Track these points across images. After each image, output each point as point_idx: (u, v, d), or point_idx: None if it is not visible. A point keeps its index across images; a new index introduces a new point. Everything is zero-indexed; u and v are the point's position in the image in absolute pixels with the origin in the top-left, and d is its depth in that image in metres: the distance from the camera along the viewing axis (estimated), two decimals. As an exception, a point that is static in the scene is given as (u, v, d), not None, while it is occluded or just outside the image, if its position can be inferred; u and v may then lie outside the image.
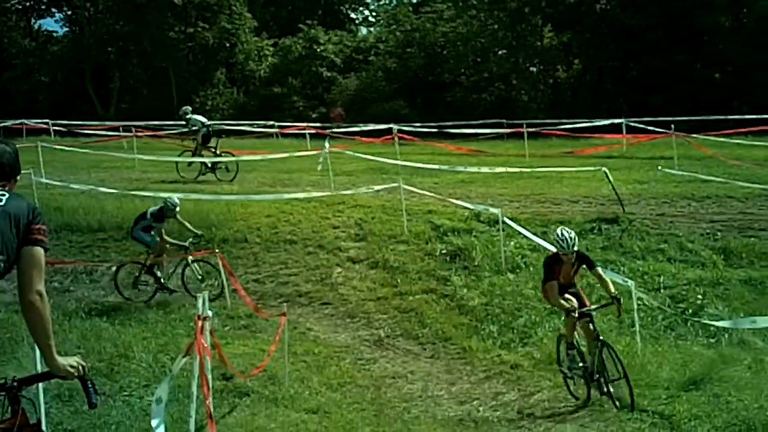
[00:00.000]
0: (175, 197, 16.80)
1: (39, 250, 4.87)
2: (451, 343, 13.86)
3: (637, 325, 12.61)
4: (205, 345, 7.04)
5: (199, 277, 16.58)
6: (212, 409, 6.45)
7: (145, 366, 11.67)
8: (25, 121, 44.82)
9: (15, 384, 4.79)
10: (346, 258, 17.59)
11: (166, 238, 16.50)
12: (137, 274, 16.63)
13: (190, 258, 16.56)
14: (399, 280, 16.37)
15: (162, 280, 16.52)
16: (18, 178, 5.24)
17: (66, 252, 18.14)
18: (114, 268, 16.94)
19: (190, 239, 16.73)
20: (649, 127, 32.72)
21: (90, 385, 4.98)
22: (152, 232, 16.42)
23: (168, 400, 8.42)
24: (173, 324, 14.41)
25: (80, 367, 4.95)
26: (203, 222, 18.97)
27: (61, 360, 4.89)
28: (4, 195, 4.88)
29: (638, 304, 12.80)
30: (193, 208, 19.69)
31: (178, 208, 16.51)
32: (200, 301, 7.27)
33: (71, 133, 42.60)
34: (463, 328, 14.39)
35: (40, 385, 7.40)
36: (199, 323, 7.14)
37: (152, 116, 47.88)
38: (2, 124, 45.84)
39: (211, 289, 15.92)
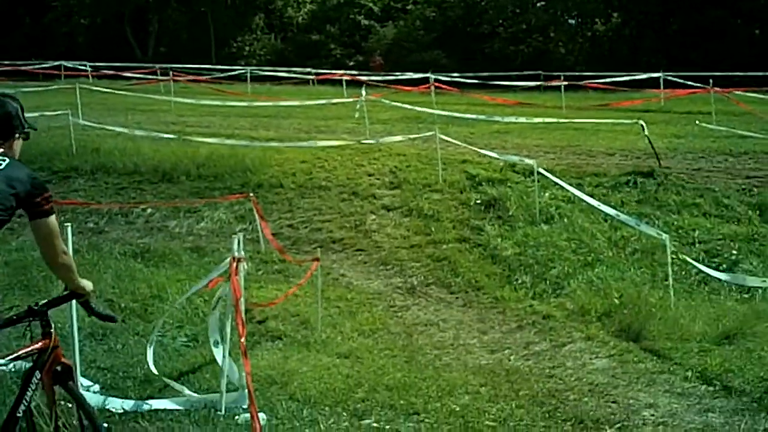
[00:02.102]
0: None
1: (51, 219, 4.95)
2: (484, 292, 13.82)
3: (670, 279, 12.52)
4: (239, 285, 7.07)
5: None
6: (246, 347, 6.49)
7: (179, 307, 11.76)
8: (64, 63, 45.01)
9: (42, 307, 5.03)
10: (380, 205, 17.58)
11: None
12: None
13: None
14: (433, 229, 16.34)
15: None
16: (19, 137, 5.22)
17: (102, 193, 18.30)
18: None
19: None
20: (688, 82, 32.37)
21: (94, 305, 5.42)
22: None
23: (201, 341, 8.54)
24: (207, 267, 14.46)
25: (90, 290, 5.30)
26: (238, 166, 19.06)
27: (82, 281, 5.26)
28: (4, 161, 4.89)
29: (672, 258, 12.69)
30: (228, 153, 19.78)
31: None
32: (235, 243, 7.30)
33: (109, 75, 42.74)
34: (495, 278, 14.36)
35: (75, 323, 7.47)
36: (234, 264, 7.17)
37: (190, 60, 47.94)
38: (42, 66, 46.10)
39: (246, 234, 16.00)
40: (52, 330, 5.10)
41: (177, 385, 7.91)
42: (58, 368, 5.15)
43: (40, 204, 4.89)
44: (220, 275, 7.90)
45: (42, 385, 5.06)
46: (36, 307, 5.08)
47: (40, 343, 5.06)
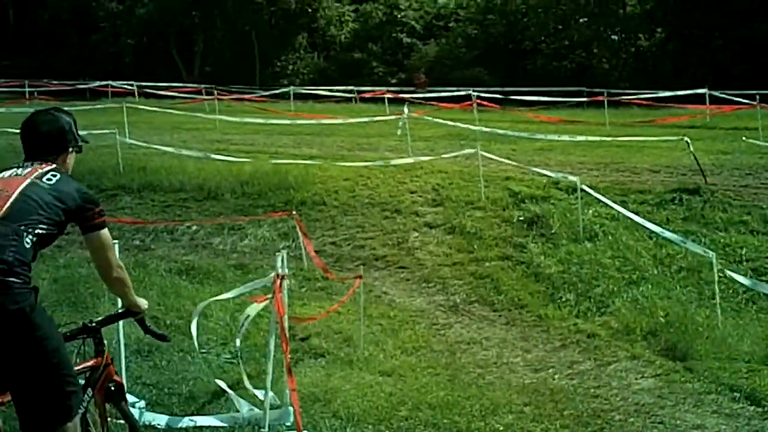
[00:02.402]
0: None
1: (104, 233, 5.00)
2: (527, 310, 13.76)
3: (717, 298, 12.39)
4: (283, 302, 7.10)
5: None
6: (291, 364, 6.51)
7: (223, 324, 11.81)
8: (111, 83, 45.57)
9: (96, 325, 5.07)
10: (422, 223, 17.57)
11: None
12: None
13: None
14: (475, 246, 16.30)
15: None
16: (72, 151, 5.26)
17: (148, 211, 18.46)
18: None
19: None
20: (733, 98, 32.08)
21: (148, 323, 5.46)
22: None
23: (245, 358, 8.57)
24: (251, 284, 14.55)
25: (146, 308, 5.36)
26: (282, 184, 19.15)
27: (138, 299, 5.33)
28: (56, 176, 4.91)
29: (719, 276, 12.56)
30: (271, 171, 19.87)
31: None
32: (279, 260, 7.34)
33: (155, 94, 43.19)
34: (539, 296, 14.29)
35: (122, 340, 7.54)
36: (278, 281, 7.20)
37: (235, 80, 48.36)
38: (88, 86, 46.70)
39: (289, 251, 16.04)
40: (104, 348, 5.17)
41: (230, 392, 7.95)
42: (111, 386, 5.20)
43: (91, 218, 4.93)
44: (260, 290, 7.94)
45: (94, 401, 5.11)
46: (90, 325, 5.15)
47: (92, 361, 5.13)
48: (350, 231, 17.51)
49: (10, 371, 4.56)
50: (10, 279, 4.47)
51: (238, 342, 7.95)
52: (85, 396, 4.98)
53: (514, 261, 15.77)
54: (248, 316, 7.78)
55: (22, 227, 4.60)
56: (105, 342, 5.18)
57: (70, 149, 5.24)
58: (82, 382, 5.05)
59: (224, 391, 8.17)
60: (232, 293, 9.13)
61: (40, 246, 4.72)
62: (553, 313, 13.41)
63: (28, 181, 4.80)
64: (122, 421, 5.41)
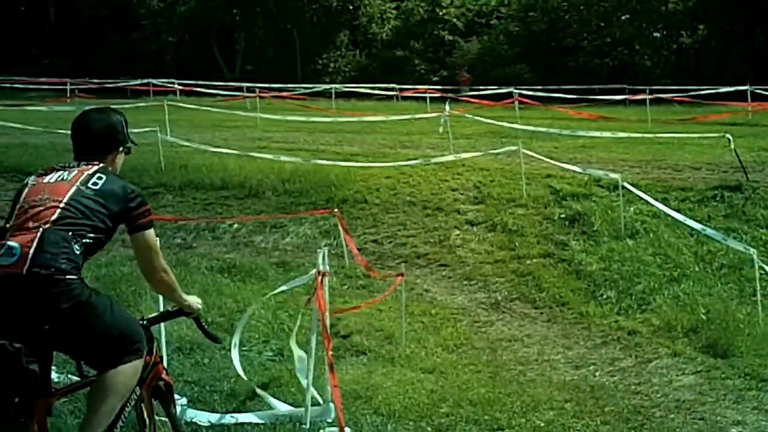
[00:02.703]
0: None
1: (149, 233, 5.00)
2: (568, 307, 13.76)
3: (758, 294, 12.33)
4: (325, 299, 7.17)
5: None
6: (332, 360, 6.57)
7: (264, 322, 11.91)
8: (152, 81, 45.89)
9: (145, 323, 5.09)
10: (464, 220, 17.59)
11: None
12: None
13: None
14: (517, 244, 16.31)
15: None
16: (122, 151, 5.31)
17: (189, 209, 18.62)
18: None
19: None
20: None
21: (204, 324, 5.45)
22: None
23: (286, 356, 8.65)
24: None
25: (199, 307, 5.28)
26: (323, 182, 19.24)
27: (188, 297, 5.31)
28: (101, 178, 4.93)
29: (760, 273, 12.50)
30: (312, 169, 19.97)
31: None
32: (320, 257, 7.41)
33: (196, 92, 43.47)
34: (580, 293, 14.28)
35: (163, 339, 7.64)
36: (319, 278, 7.27)
37: (277, 78, 48.52)
38: (129, 84, 47.09)
39: (331, 249, 16.12)
40: (153, 345, 5.18)
41: (265, 394, 8.03)
42: (160, 384, 5.24)
43: (137, 218, 4.95)
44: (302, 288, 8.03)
45: (142, 398, 5.16)
46: (141, 322, 5.14)
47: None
48: (392, 229, 17.57)
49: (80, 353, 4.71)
50: (68, 277, 4.54)
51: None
52: (132, 395, 4.97)
53: (556, 258, 15.76)
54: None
55: (71, 234, 4.65)
56: (154, 339, 5.22)
57: (120, 149, 5.29)
58: None
59: (258, 394, 8.23)
60: (276, 291, 9.17)
61: (87, 254, 4.77)
62: (594, 310, 13.41)
63: (74, 188, 4.82)
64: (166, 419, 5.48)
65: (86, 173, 4.93)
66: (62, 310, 4.50)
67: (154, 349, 5.18)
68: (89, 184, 4.87)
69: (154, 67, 56.18)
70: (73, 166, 4.99)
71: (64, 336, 4.58)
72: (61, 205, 4.73)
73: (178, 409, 7.37)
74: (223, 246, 17.22)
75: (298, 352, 8.05)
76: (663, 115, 32.49)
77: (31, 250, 4.49)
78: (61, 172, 4.96)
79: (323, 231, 17.12)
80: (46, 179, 4.93)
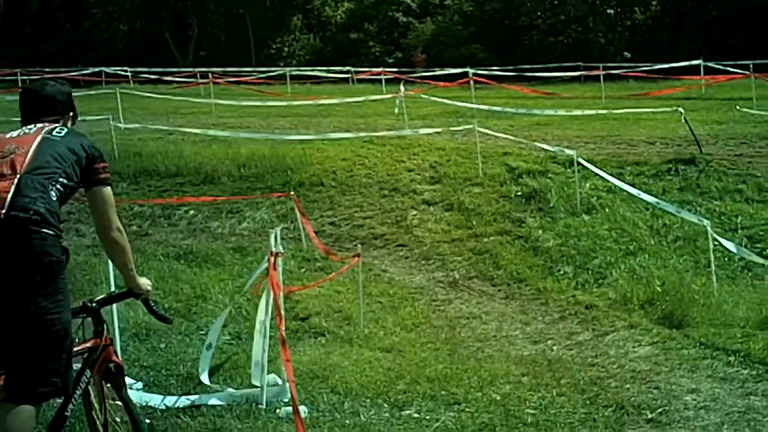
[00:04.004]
0: None
1: (107, 189, 4.96)
2: (526, 284, 13.83)
3: (712, 266, 12.47)
4: (277, 280, 7.13)
5: None
6: (285, 336, 6.52)
7: (222, 307, 11.81)
8: (105, 69, 45.43)
9: (95, 305, 5.02)
10: (421, 200, 17.60)
11: None
12: None
13: None
14: (474, 222, 16.35)
15: None
16: (73, 116, 5.31)
17: (145, 196, 18.42)
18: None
19: None
20: (728, 68, 32.12)
21: (153, 304, 5.37)
22: None
23: (243, 339, 8.62)
24: (250, 266, 14.59)
25: (149, 289, 5.24)
26: (279, 166, 19.15)
27: (140, 279, 5.22)
28: (63, 129, 4.97)
29: (714, 245, 12.64)
30: (268, 152, 19.89)
31: None
32: (272, 238, 7.37)
33: (150, 80, 43.08)
34: (537, 269, 14.35)
35: (116, 323, 7.55)
36: (272, 259, 7.23)
37: (231, 63, 48.23)
38: (82, 73, 46.58)
39: (288, 232, 16.09)
40: (103, 328, 5.11)
41: (218, 388, 7.96)
42: (111, 367, 5.17)
43: (98, 171, 4.92)
44: (261, 274, 7.97)
45: (93, 382, 5.10)
46: (90, 304, 5.08)
47: (91, 342, 5.08)
48: (349, 211, 17.55)
49: (17, 326, 4.54)
50: (44, 230, 4.51)
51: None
52: (83, 378, 4.96)
53: (513, 236, 15.83)
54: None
55: (46, 180, 4.64)
56: (105, 322, 5.15)
57: (71, 113, 5.31)
58: (77, 366, 5.05)
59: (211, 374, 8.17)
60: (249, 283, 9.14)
61: (62, 200, 4.74)
62: (552, 285, 13.49)
63: (40, 137, 4.82)
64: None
65: (48, 127, 4.95)
66: (37, 263, 4.48)
67: (104, 332, 5.12)
68: (53, 133, 4.89)
69: (106, 56, 55.59)
70: (31, 127, 4.98)
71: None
72: (31, 151, 4.72)
73: (134, 393, 7.34)
74: (179, 232, 17.10)
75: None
76: (617, 91, 32.73)
77: (10, 194, 4.49)
78: (20, 130, 4.96)
79: (280, 215, 17.05)
80: (8, 135, 4.93)
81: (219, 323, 8.63)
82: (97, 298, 5.27)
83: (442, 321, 12.12)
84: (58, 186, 4.69)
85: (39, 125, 4.97)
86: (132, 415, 5.18)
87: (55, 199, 4.65)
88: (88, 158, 4.90)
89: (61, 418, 4.88)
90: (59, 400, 4.89)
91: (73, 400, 4.90)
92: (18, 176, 4.58)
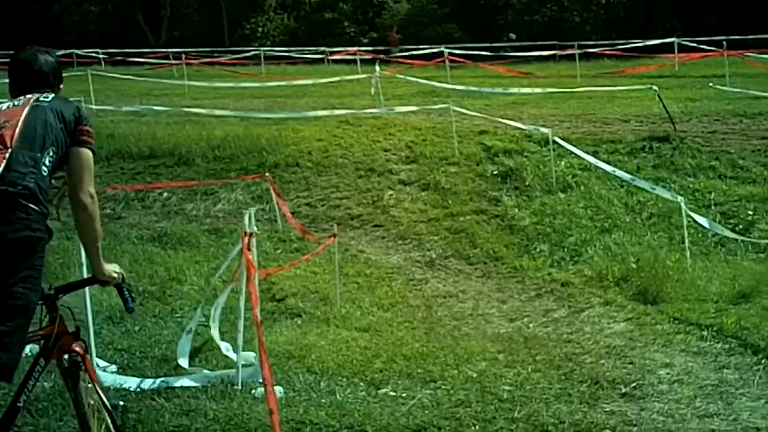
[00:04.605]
0: None
1: (88, 152, 4.89)
2: (502, 262, 13.89)
3: (686, 242, 12.56)
4: (251, 259, 7.10)
5: None
6: (259, 317, 6.50)
7: (197, 289, 11.84)
8: (76, 51, 45.00)
9: (53, 292, 4.89)
10: (397, 180, 17.59)
11: None
12: None
13: None
14: (450, 202, 16.38)
15: None
16: (61, 87, 5.26)
17: (118, 179, 18.28)
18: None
19: None
20: (701, 46, 32.23)
21: (126, 292, 5.13)
22: None
23: (219, 321, 8.59)
24: (225, 248, 14.55)
25: (120, 275, 5.08)
26: (254, 147, 19.07)
27: (107, 265, 5.01)
28: (50, 96, 4.92)
29: (688, 221, 12.72)
30: (243, 133, 19.81)
31: None
32: (246, 218, 7.35)
33: (122, 62, 42.74)
34: (514, 248, 14.42)
35: (89, 307, 7.49)
36: (245, 239, 7.20)
37: (204, 44, 47.90)
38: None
39: (263, 213, 16.05)
40: (57, 315, 4.87)
41: (193, 370, 7.92)
42: (66, 357, 5.01)
43: (82, 133, 4.87)
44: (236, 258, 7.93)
45: (60, 372, 5.00)
46: (48, 291, 4.84)
47: (44, 330, 4.86)
48: (325, 191, 17.51)
49: None
50: (31, 206, 4.47)
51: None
52: (37, 367, 4.77)
53: (489, 215, 15.88)
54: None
55: (39, 154, 4.62)
56: (59, 309, 4.98)
57: (61, 86, 5.26)
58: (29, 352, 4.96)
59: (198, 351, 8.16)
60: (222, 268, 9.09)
61: (52, 171, 4.71)
62: (528, 263, 13.56)
63: (28, 107, 4.78)
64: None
65: (35, 96, 4.89)
66: (17, 236, 4.43)
67: (57, 320, 4.95)
68: (40, 99, 4.85)
69: (77, 38, 55.01)
70: (20, 98, 4.91)
71: None
72: (20, 123, 4.67)
73: (108, 376, 7.31)
74: (153, 215, 16.99)
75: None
76: (593, 70, 32.80)
77: (0, 169, 4.47)
78: (9, 103, 4.90)
79: (255, 196, 16.99)
80: None
81: (200, 310, 8.60)
82: (57, 285, 5.11)
83: (419, 300, 12.14)
84: (49, 158, 4.66)
85: (28, 96, 4.90)
86: (78, 412, 5.04)
87: (46, 173, 4.62)
88: (76, 122, 4.86)
89: (13, 410, 4.71)
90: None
91: (26, 389, 4.72)
92: (9, 151, 4.55)
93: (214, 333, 7.97)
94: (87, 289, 6.93)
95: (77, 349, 4.95)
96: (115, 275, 5.03)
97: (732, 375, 7.37)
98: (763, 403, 6.67)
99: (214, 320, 7.83)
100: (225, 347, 8.00)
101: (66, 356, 4.92)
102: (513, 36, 46.87)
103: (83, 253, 6.84)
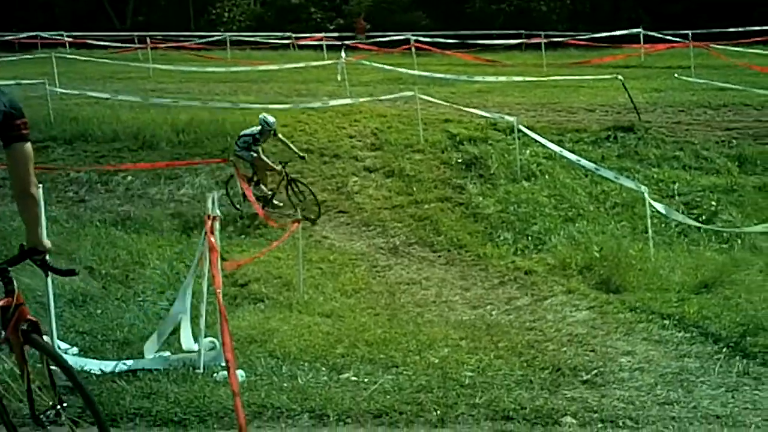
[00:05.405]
0: (269, 117, 16.41)
1: (29, 145, 4.87)
2: (466, 250, 13.93)
3: (650, 231, 12.62)
4: (215, 243, 7.04)
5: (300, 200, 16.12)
6: (222, 299, 6.44)
7: (160, 273, 11.78)
8: (41, 34, 44.53)
9: (4, 266, 4.88)
10: (362, 167, 17.58)
11: (263, 157, 16.14)
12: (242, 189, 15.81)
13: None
14: (414, 189, 16.38)
15: (267, 197, 16.33)
16: None
17: (81, 162, 18.11)
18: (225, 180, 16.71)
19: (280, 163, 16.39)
20: (667, 37, 32.40)
21: (51, 263, 5.17)
22: (251, 151, 16.10)
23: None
24: (188, 232, 14.52)
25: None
26: (218, 132, 18.95)
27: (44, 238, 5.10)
28: None
29: (651, 211, 12.79)
30: (207, 118, 19.67)
31: (274, 126, 16.31)
32: (209, 201, 7.27)
33: (87, 45, 42.32)
34: (478, 236, 14.45)
35: (51, 289, 7.39)
36: (209, 223, 7.14)
37: (169, 28, 47.51)
38: (17, 37, 45.63)
39: (227, 198, 15.98)
40: (14, 287, 4.89)
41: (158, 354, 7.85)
42: (24, 326, 5.01)
43: (19, 127, 4.82)
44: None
45: (11, 346, 4.96)
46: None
47: (2, 302, 4.89)
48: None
49: None
50: None
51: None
52: None
53: (453, 202, 15.91)
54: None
55: None
56: (14, 281, 4.98)
57: None
58: None
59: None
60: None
61: None
62: (492, 251, 13.59)
63: None
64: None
65: None
66: None
67: (15, 291, 4.96)
68: None
69: (43, 21, 54.44)
70: None
71: None
72: None
73: (69, 358, 7.23)
74: (116, 198, 16.85)
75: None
76: (559, 59, 32.88)
77: None
78: None
79: (219, 181, 16.91)
80: None
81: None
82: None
83: (383, 287, 12.16)
84: None
85: None
86: (66, 370, 5.02)
87: None
88: (7, 114, 4.78)
89: None
90: None
91: None
92: None
93: (185, 325, 7.84)
94: (49, 273, 6.84)
95: (33, 318, 4.99)
96: (50, 246, 5.11)
97: (693, 363, 7.40)
98: (723, 391, 6.70)
99: (186, 311, 7.70)
100: (186, 340, 7.85)
101: (24, 325, 4.93)
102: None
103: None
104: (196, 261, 7.55)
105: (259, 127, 16.17)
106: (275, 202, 16.37)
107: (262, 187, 16.30)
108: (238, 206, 16.09)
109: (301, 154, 16.69)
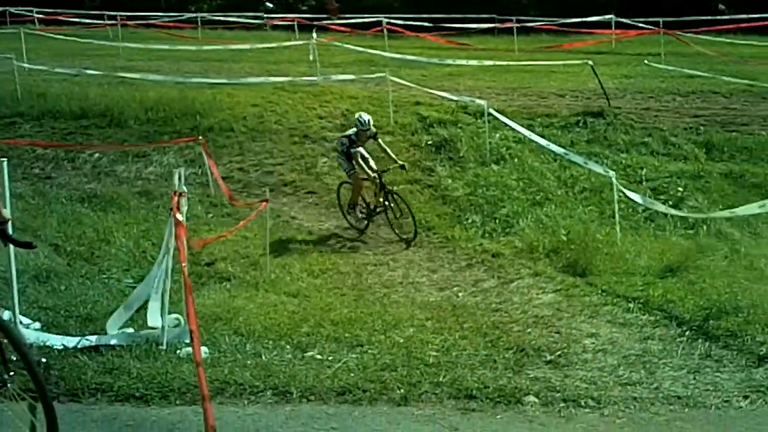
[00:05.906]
0: (364, 115, 14.48)
1: None
2: (434, 232, 13.94)
3: (617, 216, 12.69)
4: (181, 219, 6.99)
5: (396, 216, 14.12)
6: (187, 273, 6.39)
7: (126, 251, 11.71)
8: (9, 9, 44.01)
9: None
10: (331, 148, 17.48)
11: (360, 162, 14.15)
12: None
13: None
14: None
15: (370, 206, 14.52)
16: None
17: (48, 138, 17.90)
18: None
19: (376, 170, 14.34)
20: (638, 24, 32.51)
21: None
22: (350, 160, 14.20)
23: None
24: (155, 211, 14.43)
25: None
26: (188, 110, 18.83)
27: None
28: None
29: (619, 196, 12.85)
30: (177, 96, 19.54)
31: (369, 125, 14.25)
32: (176, 177, 7.23)
33: (57, 20, 41.90)
34: (446, 218, 14.47)
35: (13, 264, 7.31)
36: (175, 199, 7.09)
37: (140, 7, 47.10)
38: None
39: (195, 177, 15.90)
40: None
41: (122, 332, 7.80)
42: None
43: None
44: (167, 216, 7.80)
45: None
46: None
47: None
48: (258, 157, 17.36)
49: None
50: None
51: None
52: None
53: (423, 184, 15.91)
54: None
55: None
56: None
57: None
58: None
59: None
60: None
61: None
62: (460, 234, 13.62)
63: None
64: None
65: None
66: None
67: None
68: None
69: (11, -2, 53.85)
70: None
71: None
72: None
73: (32, 332, 7.19)
74: (83, 176, 16.68)
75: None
76: (530, 44, 32.91)
77: None
78: None
79: (188, 159, 16.80)
80: None
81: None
82: None
83: (350, 267, 12.14)
84: None
85: None
86: (20, 350, 4.93)
87: None
88: None
89: None
90: None
91: None
92: None
93: (154, 303, 7.75)
94: (11, 247, 6.78)
95: None
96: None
97: (656, 345, 7.47)
98: (684, 372, 6.77)
99: (157, 290, 7.61)
100: (153, 317, 7.77)
101: None
102: (723, 7, 46.55)
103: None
104: (166, 239, 7.50)
105: (354, 129, 14.36)
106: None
107: (358, 213, 14.65)
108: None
109: (401, 162, 14.53)
